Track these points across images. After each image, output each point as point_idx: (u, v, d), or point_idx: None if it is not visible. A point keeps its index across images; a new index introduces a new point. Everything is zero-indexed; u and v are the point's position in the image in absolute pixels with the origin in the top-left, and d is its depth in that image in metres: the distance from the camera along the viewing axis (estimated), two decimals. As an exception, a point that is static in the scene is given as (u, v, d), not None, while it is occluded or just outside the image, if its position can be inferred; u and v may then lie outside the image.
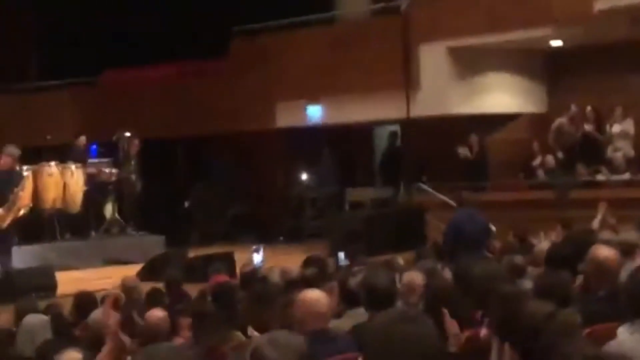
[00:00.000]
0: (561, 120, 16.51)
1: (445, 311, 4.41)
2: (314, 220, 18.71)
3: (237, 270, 11.02)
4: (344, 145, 19.76)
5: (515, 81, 17.68)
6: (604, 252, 5.77)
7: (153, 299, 8.48)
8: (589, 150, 16.26)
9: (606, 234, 8.52)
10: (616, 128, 16.10)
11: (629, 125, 16.01)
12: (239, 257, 13.60)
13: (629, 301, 4.42)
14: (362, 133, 19.94)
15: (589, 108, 16.35)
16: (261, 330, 5.63)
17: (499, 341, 2.87)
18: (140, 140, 16.53)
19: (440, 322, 4.50)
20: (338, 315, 6.31)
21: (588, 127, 16.36)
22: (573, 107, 16.52)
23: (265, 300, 6.01)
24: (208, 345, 5.60)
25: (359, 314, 6.13)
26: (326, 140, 19.56)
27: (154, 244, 15.57)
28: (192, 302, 7.03)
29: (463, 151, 17.24)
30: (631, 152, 15.96)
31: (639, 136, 15.91)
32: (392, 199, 18.10)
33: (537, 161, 16.89)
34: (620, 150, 15.94)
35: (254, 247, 12.99)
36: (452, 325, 4.63)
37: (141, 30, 20.04)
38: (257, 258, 12.41)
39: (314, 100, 18.23)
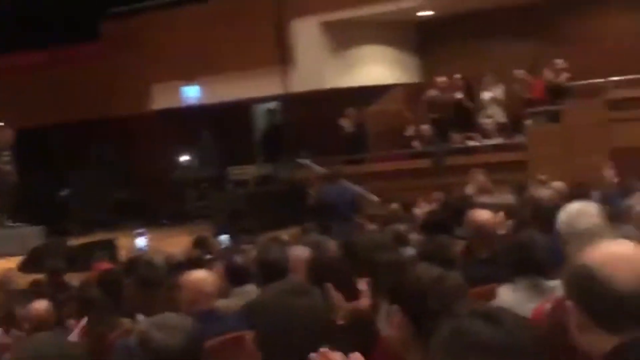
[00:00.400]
0: (432, 92, 16.85)
1: (329, 284, 4.46)
2: (197, 201, 18.60)
3: (120, 257, 10.92)
4: (223, 124, 19.66)
5: (388, 53, 17.90)
6: (482, 215, 5.95)
7: (35, 291, 8.32)
8: (461, 117, 16.63)
9: (483, 198, 8.77)
10: (486, 95, 16.48)
11: (499, 91, 16.40)
12: (122, 244, 13.46)
13: (507, 262, 4.58)
14: (240, 111, 19.88)
15: (458, 76, 16.69)
16: (148, 315, 5.59)
17: (389, 308, 2.92)
18: (14, 129, 16.08)
19: (327, 295, 4.56)
20: (225, 294, 6.31)
21: (459, 95, 16.71)
22: (441, 78, 16.86)
23: (151, 284, 5.97)
24: (95, 332, 5.54)
25: (246, 292, 6.16)
26: (205, 120, 19.43)
27: (33, 235, 15.19)
28: (78, 290, 6.91)
29: (345, 124, 17.37)
30: (502, 118, 16.38)
31: (510, 101, 16.30)
32: (274, 176, 18.14)
33: (410, 131, 17.12)
34: (491, 117, 16.34)
35: (137, 231, 12.86)
36: (336, 298, 4.69)
37: (10, 16, 19.45)
38: (141, 242, 12.30)
39: (190, 80, 18.08)
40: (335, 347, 2.71)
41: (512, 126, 16.22)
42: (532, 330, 1.99)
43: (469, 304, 2.97)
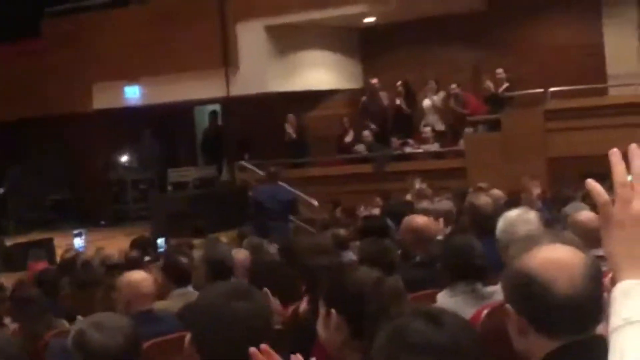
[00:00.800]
0: (363, 98, 16.99)
1: (266, 290, 4.46)
2: (137, 202, 18.47)
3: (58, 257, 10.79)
4: (164, 125, 19.56)
5: (332, 58, 17.96)
6: (418, 220, 6.04)
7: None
8: (401, 123, 16.75)
9: (422, 204, 8.84)
10: (427, 102, 16.62)
11: (438, 99, 16.54)
12: (60, 244, 13.31)
13: (445, 267, 4.64)
14: (182, 113, 19.79)
15: (399, 82, 16.81)
16: (85, 316, 5.55)
17: (326, 310, 2.93)
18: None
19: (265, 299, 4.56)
20: (165, 296, 6.28)
21: (399, 101, 16.82)
22: (373, 81, 16.99)
23: (87, 285, 5.92)
24: (30, 332, 5.47)
25: (186, 293, 6.14)
26: (146, 121, 19.30)
27: (-31, 234, 14.99)
28: (14, 290, 6.82)
29: (288, 128, 17.39)
30: (441, 125, 16.50)
31: (449, 108, 16.45)
32: (215, 178, 18.10)
33: (349, 136, 17.16)
34: (430, 125, 16.45)
35: (75, 232, 12.72)
36: (274, 303, 4.70)
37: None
38: (79, 243, 12.16)
39: (132, 80, 17.94)
40: (274, 350, 2.72)
41: (452, 133, 16.39)
42: (473, 332, 2.01)
43: (407, 307, 3.01)
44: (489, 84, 15.64)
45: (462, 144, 15.52)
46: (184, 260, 6.66)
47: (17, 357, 2.87)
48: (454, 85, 16.06)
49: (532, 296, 2.11)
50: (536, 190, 9.62)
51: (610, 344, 1.47)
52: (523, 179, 9.87)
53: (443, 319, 1.95)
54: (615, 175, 1.53)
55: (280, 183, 13.14)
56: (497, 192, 9.88)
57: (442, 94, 16.54)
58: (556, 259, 2.15)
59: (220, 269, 5.75)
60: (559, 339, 2.11)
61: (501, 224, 4.74)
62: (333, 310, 2.88)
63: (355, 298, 2.89)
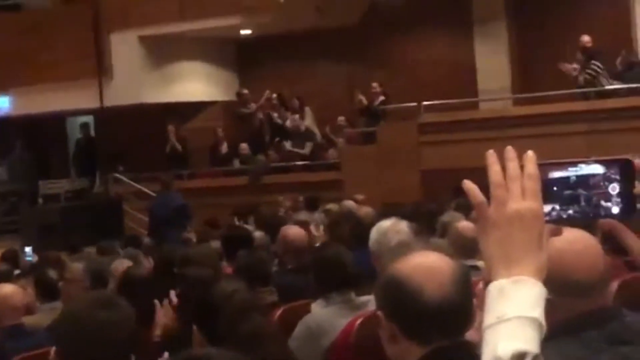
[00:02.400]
0: (236, 109, 16.97)
1: (156, 301, 4.43)
2: (6, 215, 17.97)
3: None
4: (35, 137, 19.10)
5: (208, 69, 17.90)
6: (289, 230, 6.12)
7: None
8: (276, 135, 16.77)
9: (301, 215, 8.91)
10: (297, 114, 16.64)
11: (308, 114, 16.61)
12: None
13: (318, 278, 4.67)
14: (54, 124, 19.38)
15: (274, 95, 16.86)
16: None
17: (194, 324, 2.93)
18: None
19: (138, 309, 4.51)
20: (34, 311, 6.14)
21: (275, 114, 16.84)
22: (244, 90, 17.03)
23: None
24: None
25: (56, 308, 6.01)
26: (17, 132, 18.81)
27: None
28: None
29: (170, 139, 17.21)
30: (317, 138, 16.56)
31: (324, 122, 16.58)
32: (88, 191, 17.76)
33: (224, 147, 17.07)
34: (306, 136, 16.51)
35: None
36: (159, 314, 4.66)
37: None
38: None
39: (2, 90, 17.47)
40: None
41: (327, 146, 16.51)
42: None
43: (257, 323, 3.02)
44: (361, 98, 15.84)
45: (336, 156, 15.68)
46: (53, 274, 6.53)
47: None
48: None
49: (401, 302, 2.14)
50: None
51: (483, 341, 1.50)
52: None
53: None
54: (491, 175, 1.56)
55: (173, 191, 13.19)
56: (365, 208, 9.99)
57: (308, 108, 16.59)
58: (425, 265, 2.19)
59: (103, 280, 5.68)
60: (429, 345, 2.14)
61: (374, 234, 4.79)
62: (194, 327, 2.90)
63: (208, 314, 2.90)
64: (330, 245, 5.01)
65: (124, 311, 2.60)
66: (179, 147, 17.20)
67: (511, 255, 1.52)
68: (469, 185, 1.57)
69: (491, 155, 1.57)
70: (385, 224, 4.84)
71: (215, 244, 8.18)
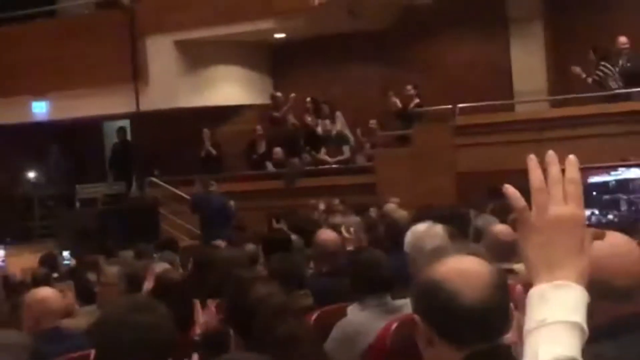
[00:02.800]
0: (271, 112, 17.02)
1: (196, 301, 4.45)
2: (44, 219, 18.14)
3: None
4: (72, 141, 19.27)
5: (242, 73, 17.94)
6: (324, 234, 6.11)
7: None
8: (311, 139, 16.78)
9: (336, 218, 8.90)
10: (338, 118, 16.66)
11: (339, 118, 16.60)
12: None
13: (354, 282, 4.66)
14: (91, 128, 19.53)
15: (307, 99, 16.87)
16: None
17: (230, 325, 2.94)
18: None
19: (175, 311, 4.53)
20: (73, 314, 6.19)
21: (309, 118, 16.87)
22: (277, 94, 17.06)
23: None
24: None
25: (93, 311, 6.06)
26: (54, 137, 18.99)
27: None
28: None
29: (205, 143, 17.32)
30: (351, 141, 16.55)
31: (357, 125, 16.55)
32: (125, 195, 17.88)
33: (261, 147, 17.09)
34: (343, 139, 16.51)
35: None
36: (199, 315, 4.68)
37: None
38: None
39: (40, 95, 17.64)
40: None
41: (358, 149, 16.50)
42: None
43: (293, 326, 3.03)
44: (395, 100, 15.81)
45: (366, 159, 15.67)
46: (91, 278, 6.59)
47: None
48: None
49: (438, 305, 2.14)
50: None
51: (525, 346, 1.50)
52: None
53: None
54: (532, 180, 1.56)
55: (212, 191, 13.93)
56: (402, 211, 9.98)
57: (339, 113, 16.58)
58: (462, 269, 2.18)
59: (137, 284, 5.72)
60: (465, 349, 2.13)
61: (409, 237, 4.77)
62: (231, 330, 2.90)
63: (244, 315, 2.90)
64: (367, 248, 5.00)
65: (160, 314, 2.62)
66: (213, 151, 17.28)
67: (552, 259, 1.52)
68: (510, 190, 1.58)
69: (532, 160, 1.57)
70: (421, 227, 4.82)
71: (249, 247, 8.23)
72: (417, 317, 2.19)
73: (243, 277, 4.00)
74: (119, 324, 2.57)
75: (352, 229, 7.28)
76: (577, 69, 14.20)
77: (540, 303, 1.50)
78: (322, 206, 12.81)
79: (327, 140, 16.55)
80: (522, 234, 1.57)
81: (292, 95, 16.80)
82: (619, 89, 13.98)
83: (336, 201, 13.21)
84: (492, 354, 2.13)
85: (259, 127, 17.11)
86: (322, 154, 16.44)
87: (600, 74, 14.05)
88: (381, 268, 4.50)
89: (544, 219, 1.54)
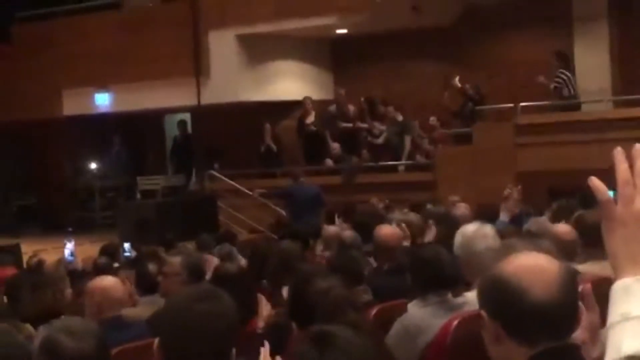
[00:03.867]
0: (330, 108, 16.99)
1: (260, 295, 4.48)
2: (104, 210, 18.38)
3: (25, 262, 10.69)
4: (134, 133, 19.48)
5: (303, 68, 17.98)
6: (384, 230, 6.09)
7: None
8: (366, 137, 16.73)
9: (395, 214, 8.87)
10: (391, 115, 16.57)
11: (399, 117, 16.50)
12: (26, 250, 13.20)
13: (416, 278, 4.64)
14: (152, 121, 19.73)
15: (362, 98, 16.82)
16: (48, 320, 5.48)
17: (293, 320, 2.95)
18: None
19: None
20: (134, 303, 6.25)
21: (360, 122, 16.78)
22: (341, 91, 17.03)
23: (42, 288, 5.86)
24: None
25: (155, 301, 6.12)
26: (116, 129, 19.21)
27: None
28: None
29: (267, 139, 17.41)
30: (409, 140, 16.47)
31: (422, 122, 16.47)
32: (184, 187, 18.03)
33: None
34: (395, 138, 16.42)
35: (65, 241, 12.40)
36: (262, 307, 4.70)
37: None
38: (68, 252, 11.80)
39: (103, 87, 17.87)
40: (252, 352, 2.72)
41: (421, 146, 16.43)
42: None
43: (352, 319, 3.03)
44: (449, 98, 15.69)
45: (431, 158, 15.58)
46: (152, 268, 6.64)
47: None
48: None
49: (507, 301, 2.12)
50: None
51: (607, 340, 1.49)
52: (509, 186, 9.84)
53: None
54: (619, 173, 1.55)
55: (302, 181, 14.30)
56: (462, 205, 9.92)
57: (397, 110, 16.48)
58: (532, 265, 2.16)
59: (199, 274, 5.78)
60: (533, 346, 2.11)
61: (458, 238, 4.74)
62: (293, 323, 2.89)
63: (306, 308, 2.91)
64: (429, 245, 4.97)
65: (224, 303, 2.63)
66: (273, 147, 17.34)
67: (637, 253, 1.51)
68: (595, 182, 1.56)
69: (619, 153, 1.56)
70: (470, 228, 4.79)
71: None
72: (483, 313, 2.17)
73: (304, 271, 4.01)
74: (185, 312, 2.58)
75: (403, 225, 7.24)
76: (541, 78, 14.59)
77: (624, 296, 1.49)
78: (380, 203, 12.77)
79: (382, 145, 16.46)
80: (606, 227, 1.56)
81: (342, 91, 16.80)
82: (572, 96, 14.39)
83: (386, 201, 13.19)
84: (561, 353, 2.11)
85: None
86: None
87: (560, 80, 14.42)
88: (444, 265, 4.47)
89: (630, 212, 1.53)
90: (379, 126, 16.50)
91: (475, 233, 4.69)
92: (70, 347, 2.97)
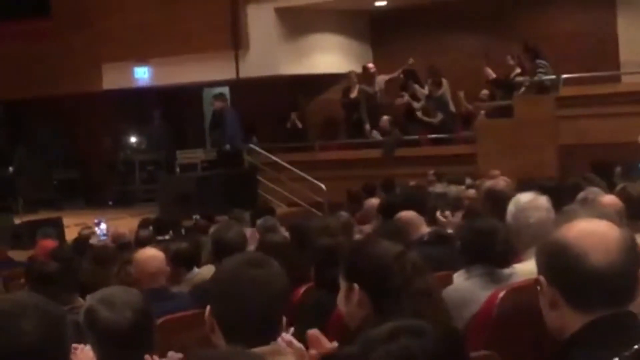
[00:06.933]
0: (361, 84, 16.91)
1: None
2: (144, 183, 18.47)
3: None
4: (173, 107, 19.53)
5: (342, 42, 17.89)
6: (407, 215, 6.09)
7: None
8: (411, 111, 16.64)
9: (438, 188, 8.84)
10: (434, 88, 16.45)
11: (445, 87, 16.37)
12: (68, 222, 13.34)
13: (464, 249, 4.59)
14: (191, 94, 19.76)
15: (400, 73, 16.68)
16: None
17: (348, 285, 2.90)
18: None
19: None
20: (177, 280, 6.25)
21: (409, 85, 16.68)
22: (369, 65, 16.94)
23: (103, 262, 5.91)
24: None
25: (197, 275, 6.15)
26: (155, 103, 19.26)
27: (-23, 212, 15.01)
28: (28, 266, 6.76)
29: (293, 120, 17.44)
30: (448, 110, 16.36)
31: (466, 94, 16.33)
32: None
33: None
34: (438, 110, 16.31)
35: (95, 220, 12.53)
36: None
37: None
38: (100, 231, 11.91)
39: (142, 61, 17.90)
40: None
41: (462, 119, 16.32)
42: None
43: (432, 281, 2.99)
44: (488, 71, 15.54)
45: (471, 131, 15.46)
46: (184, 245, 6.61)
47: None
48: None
49: (565, 266, 2.08)
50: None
51: None
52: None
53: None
54: None
55: None
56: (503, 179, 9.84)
57: (445, 80, 16.33)
58: (592, 230, 2.11)
59: (225, 248, 5.73)
60: (590, 313, 2.07)
61: (512, 208, 4.67)
62: (355, 285, 2.85)
63: (377, 272, 2.86)
64: (486, 218, 4.89)
65: (275, 270, 2.62)
66: (298, 123, 17.34)
67: None
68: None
69: None
70: (524, 198, 4.71)
71: (344, 215, 8.24)
72: (541, 278, 2.13)
73: (366, 239, 3.99)
74: (238, 277, 2.57)
75: (447, 213, 7.16)
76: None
77: None
78: (430, 177, 12.71)
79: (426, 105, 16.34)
80: None
81: (370, 65, 16.69)
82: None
83: (431, 172, 13.14)
84: (619, 321, 2.06)
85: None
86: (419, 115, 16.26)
87: (542, 70, 14.49)
88: (495, 239, 4.39)
89: None
90: (420, 89, 16.40)
91: (529, 204, 4.62)
92: (106, 319, 3.03)
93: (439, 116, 16.11)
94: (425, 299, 2.83)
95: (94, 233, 9.83)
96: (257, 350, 2.44)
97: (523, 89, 14.79)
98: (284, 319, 2.64)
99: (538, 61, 14.64)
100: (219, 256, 5.53)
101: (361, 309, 2.86)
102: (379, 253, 2.94)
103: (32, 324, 2.03)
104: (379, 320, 2.84)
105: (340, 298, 2.93)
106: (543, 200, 4.71)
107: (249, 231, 7.37)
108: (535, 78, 14.61)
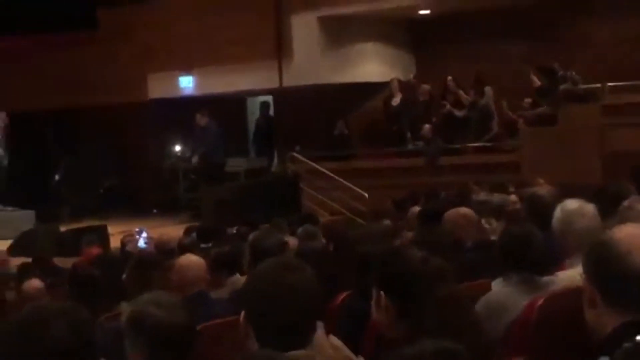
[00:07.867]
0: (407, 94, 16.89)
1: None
2: (188, 192, 18.58)
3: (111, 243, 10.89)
4: (217, 115, 19.63)
5: (384, 50, 17.89)
6: (462, 210, 6.04)
7: (24, 273, 8.28)
8: (452, 121, 16.57)
9: (481, 196, 8.76)
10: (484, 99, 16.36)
11: (488, 95, 16.26)
12: (113, 230, 13.47)
13: (502, 256, 4.57)
14: (235, 103, 19.86)
15: (449, 78, 16.63)
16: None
17: (377, 292, 2.93)
18: (7, 113, 16.07)
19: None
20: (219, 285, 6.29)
21: (449, 97, 16.61)
22: (410, 76, 16.93)
23: (147, 268, 5.94)
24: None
25: (237, 280, 6.17)
26: (200, 111, 19.36)
27: (24, 219, 15.19)
28: (72, 273, 6.83)
29: (340, 127, 17.47)
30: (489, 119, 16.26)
31: (509, 102, 16.24)
32: (266, 169, 18.13)
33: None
34: (478, 119, 16.21)
35: (137, 230, 12.60)
36: None
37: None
38: (141, 241, 11.94)
39: (187, 70, 18.05)
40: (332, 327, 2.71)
41: (505, 128, 16.22)
42: None
43: (455, 287, 3.00)
44: (533, 78, 15.44)
45: (516, 139, 15.35)
46: (226, 249, 6.64)
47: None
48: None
49: (605, 265, 2.08)
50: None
51: None
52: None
53: None
54: None
55: None
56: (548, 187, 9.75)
57: (489, 89, 16.22)
58: (637, 233, 2.11)
59: (263, 255, 5.75)
60: (626, 314, 2.05)
61: (559, 214, 4.63)
62: (382, 292, 2.90)
63: (402, 278, 2.89)
64: (524, 224, 4.87)
65: (309, 275, 2.62)
66: (345, 130, 17.35)
67: None
68: None
69: None
70: (572, 205, 4.66)
71: (388, 222, 8.21)
72: (585, 277, 2.14)
73: (393, 247, 3.99)
74: (272, 282, 2.58)
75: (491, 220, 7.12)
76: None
77: None
78: (474, 186, 12.67)
79: (466, 123, 16.26)
80: None
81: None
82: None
83: (471, 183, 13.06)
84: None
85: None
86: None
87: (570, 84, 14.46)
88: (532, 246, 4.37)
89: None
90: (464, 95, 16.33)
91: (575, 210, 4.59)
92: (159, 319, 2.83)
93: (494, 127, 16.01)
94: (450, 305, 2.83)
95: (135, 241, 9.88)
96: (291, 354, 2.45)
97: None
98: (322, 325, 2.64)
99: (569, 73, 14.61)
100: (256, 263, 5.53)
101: (386, 314, 2.88)
102: (402, 260, 2.97)
103: (61, 329, 2.05)
104: (404, 324, 2.86)
105: (373, 304, 2.96)
106: (590, 208, 4.67)
107: (291, 239, 7.38)
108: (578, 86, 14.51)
